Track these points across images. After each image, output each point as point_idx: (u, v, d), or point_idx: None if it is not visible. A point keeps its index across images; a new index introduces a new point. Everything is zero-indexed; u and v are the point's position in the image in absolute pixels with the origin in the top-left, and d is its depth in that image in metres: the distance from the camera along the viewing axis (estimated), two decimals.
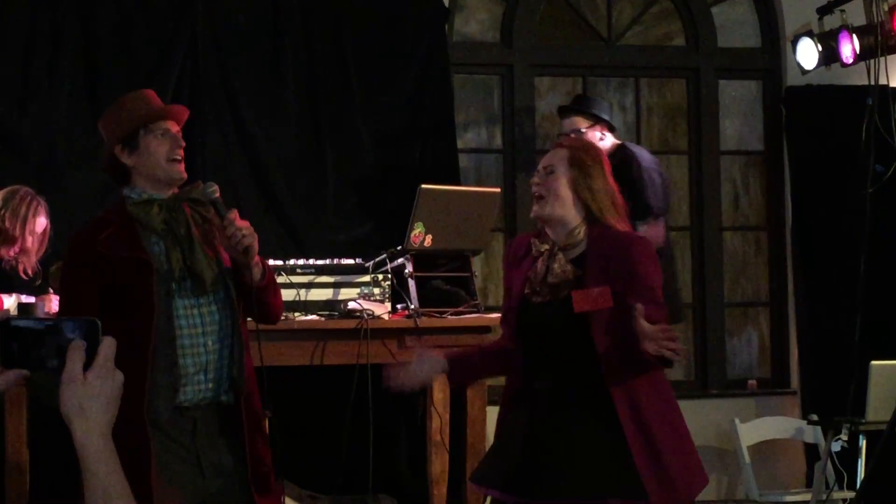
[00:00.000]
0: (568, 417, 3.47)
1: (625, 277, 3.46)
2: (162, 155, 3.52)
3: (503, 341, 3.73)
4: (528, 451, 3.48)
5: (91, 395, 1.70)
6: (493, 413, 5.27)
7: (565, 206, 3.58)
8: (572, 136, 5.77)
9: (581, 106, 6.14)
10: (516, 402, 3.62)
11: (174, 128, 3.58)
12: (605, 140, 5.96)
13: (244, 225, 3.48)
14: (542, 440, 3.47)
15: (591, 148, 3.72)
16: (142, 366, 3.31)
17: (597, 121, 6.02)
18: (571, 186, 3.57)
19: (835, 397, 6.42)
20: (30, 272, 5.22)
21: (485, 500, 6.20)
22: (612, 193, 3.62)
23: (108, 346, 1.74)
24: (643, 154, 6.05)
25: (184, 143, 3.59)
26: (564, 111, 6.18)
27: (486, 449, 5.43)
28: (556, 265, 3.54)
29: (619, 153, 5.89)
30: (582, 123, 5.97)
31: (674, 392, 3.64)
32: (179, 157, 3.55)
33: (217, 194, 3.55)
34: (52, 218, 5.87)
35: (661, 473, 3.41)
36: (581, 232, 3.56)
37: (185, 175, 3.56)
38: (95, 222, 3.55)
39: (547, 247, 3.58)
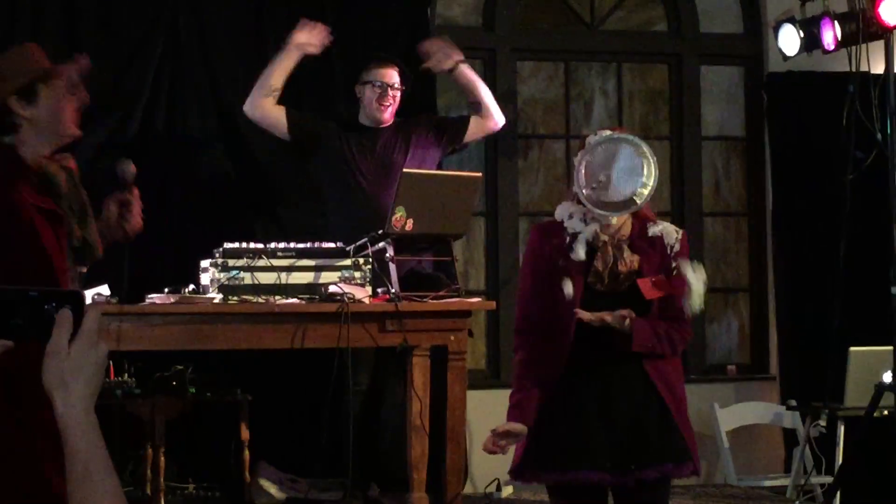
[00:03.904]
0: (623, 392, 3.71)
1: (665, 268, 3.72)
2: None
3: (532, 351, 3.79)
4: (605, 430, 3.67)
5: (74, 368, 1.65)
6: (472, 397, 5.31)
7: None
8: (390, 90, 5.78)
9: (402, 65, 5.96)
10: (562, 386, 3.71)
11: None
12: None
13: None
14: (611, 417, 3.68)
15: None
16: None
17: (405, 85, 5.90)
18: None
19: (813, 383, 6.45)
20: None
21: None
22: None
23: (92, 317, 1.69)
24: None
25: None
26: (384, 60, 5.91)
27: (466, 433, 5.45)
28: (625, 255, 3.72)
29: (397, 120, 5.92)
30: (398, 81, 5.86)
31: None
32: None
33: None
34: None
35: (689, 441, 3.73)
36: (628, 224, 3.78)
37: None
38: None
39: (606, 237, 3.73)
